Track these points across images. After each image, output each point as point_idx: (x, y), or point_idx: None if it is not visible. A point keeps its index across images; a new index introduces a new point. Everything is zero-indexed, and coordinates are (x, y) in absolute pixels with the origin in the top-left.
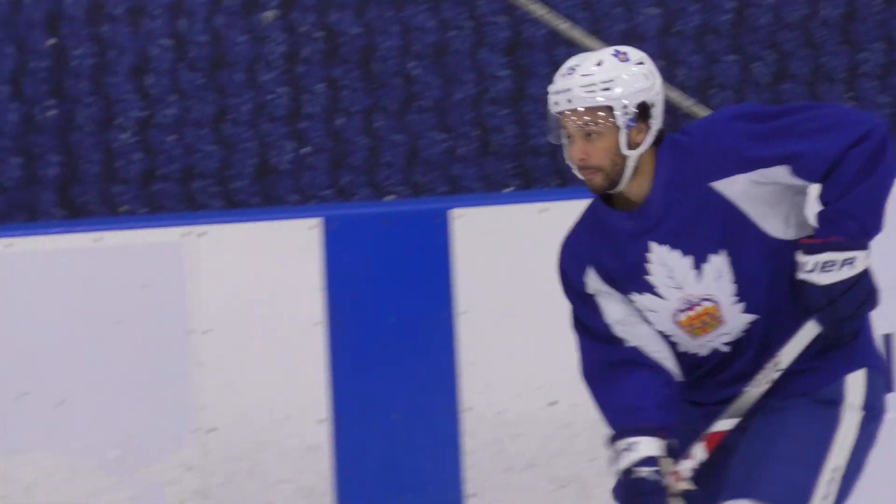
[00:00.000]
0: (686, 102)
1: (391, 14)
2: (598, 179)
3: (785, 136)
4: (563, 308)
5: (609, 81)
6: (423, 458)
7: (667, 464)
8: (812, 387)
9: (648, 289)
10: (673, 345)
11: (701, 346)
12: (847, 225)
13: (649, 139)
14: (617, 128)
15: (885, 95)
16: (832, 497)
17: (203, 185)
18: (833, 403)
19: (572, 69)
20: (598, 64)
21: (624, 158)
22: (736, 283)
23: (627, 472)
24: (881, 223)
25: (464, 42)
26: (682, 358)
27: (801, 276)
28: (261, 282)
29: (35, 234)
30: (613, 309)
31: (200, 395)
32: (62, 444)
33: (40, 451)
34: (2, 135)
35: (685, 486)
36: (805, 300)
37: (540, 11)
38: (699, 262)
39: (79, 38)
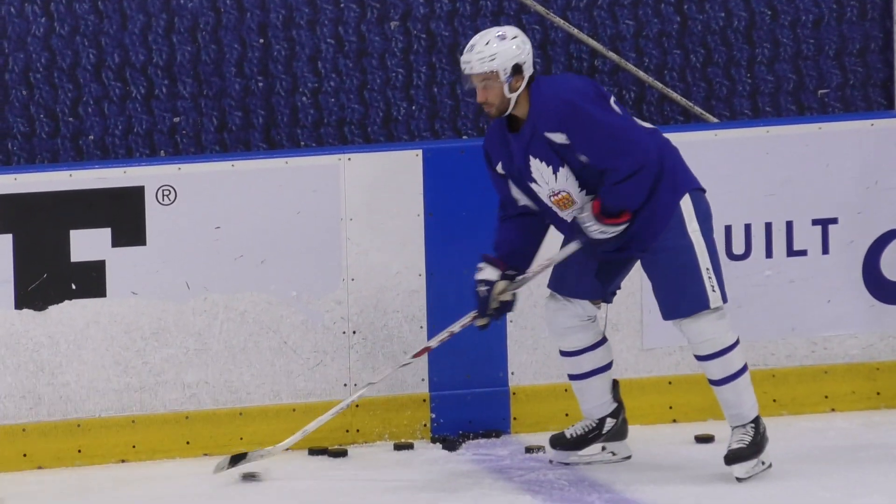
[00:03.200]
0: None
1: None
2: (493, 111)
3: (588, 138)
4: None
5: (493, 55)
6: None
7: (499, 286)
8: (650, 241)
9: (532, 181)
10: (554, 213)
11: (566, 215)
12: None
13: (523, 84)
14: (501, 82)
15: (772, 76)
16: (715, 280)
17: (350, 128)
18: (666, 247)
19: (472, 46)
20: (486, 44)
21: (508, 98)
22: (577, 180)
23: (475, 283)
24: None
25: None
26: (559, 221)
27: (582, 224)
28: (381, 188)
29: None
30: (511, 185)
31: (347, 257)
32: (263, 286)
33: (250, 290)
34: None
35: (507, 297)
36: (579, 226)
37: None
38: (555, 171)
39: None
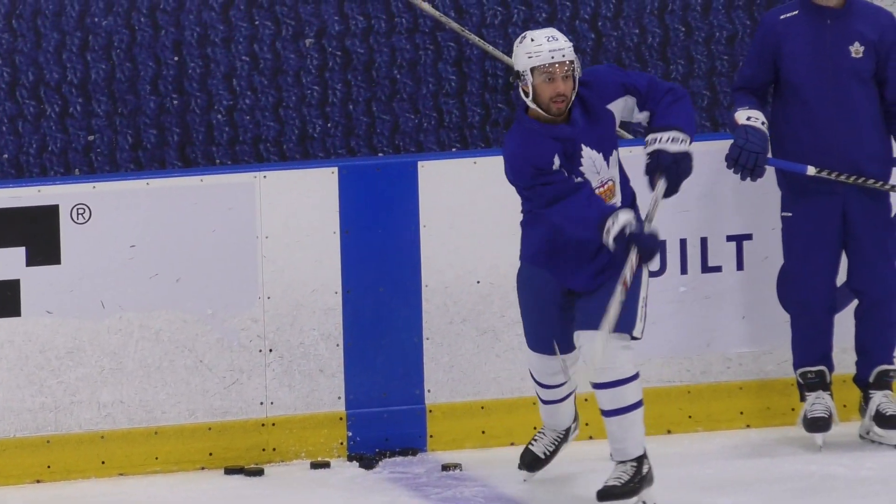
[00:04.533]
0: None
1: None
2: (564, 106)
3: (638, 84)
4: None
5: (571, 46)
6: (395, 308)
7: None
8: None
9: (580, 173)
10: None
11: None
12: (679, 120)
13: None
14: (577, 73)
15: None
16: (644, 314)
17: (266, 146)
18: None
19: (553, 37)
20: (557, 37)
21: (572, 95)
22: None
23: (617, 236)
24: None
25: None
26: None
27: (655, 146)
28: (297, 206)
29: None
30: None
31: (263, 275)
32: (179, 304)
33: (165, 308)
34: None
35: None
36: (656, 164)
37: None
38: (607, 157)
39: None
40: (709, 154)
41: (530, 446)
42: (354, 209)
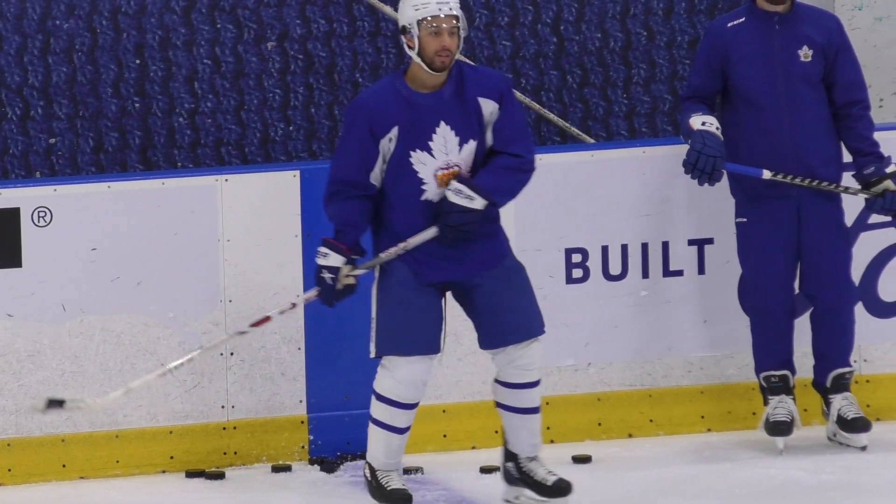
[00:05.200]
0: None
1: None
2: (448, 62)
3: (512, 116)
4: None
5: (458, 3)
6: (356, 312)
7: (344, 270)
8: (498, 262)
9: (427, 149)
10: (422, 192)
11: (440, 193)
12: (490, 183)
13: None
14: (461, 32)
15: (648, 97)
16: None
17: (228, 149)
18: (518, 268)
19: None
20: None
21: (456, 53)
22: (473, 159)
23: (319, 269)
24: (502, 203)
25: None
26: (421, 204)
27: (446, 190)
28: (259, 209)
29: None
30: (378, 164)
31: (224, 278)
32: (140, 308)
33: (127, 311)
34: None
35: (350, 280)
36: (438, 208)
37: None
38: (462, 142)
39: None
40: (671, 158)
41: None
42: (316, 213)
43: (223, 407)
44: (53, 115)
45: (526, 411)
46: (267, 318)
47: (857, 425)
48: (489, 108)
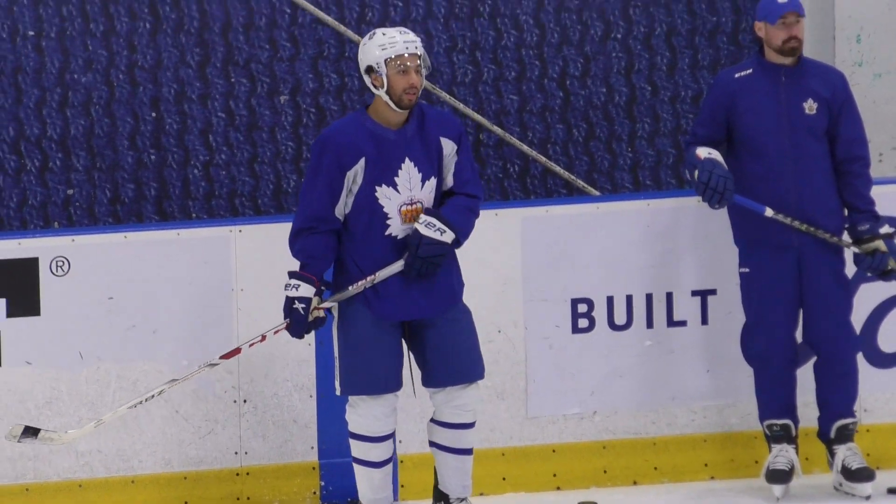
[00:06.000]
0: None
1: None
2: (414, 98)
3: (468, 158)
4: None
5: (420, 42)
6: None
7: (314, 303)
8: (453, 302)
9: (393, 185)
10: (386, 227)
11: (403, 230)
12: (456, 219)
13: None
14: (424, 71)
15: (652, 150)
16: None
17: (241, 200)
18: (466, 310)
19: (405, 31)
20: (410, 32)
21: (419, 91)
22: (434, 196)
23: (290, 300)
24: (463, 241)
25: None
26: (379, 240)
27: (417, 223)
28: (272, 259)
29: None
30: (343, 197)
31: (238, 327)
32: (155, 355)
33: (142, 359)
34: None
35: (320, 313)
36: (411, 239)
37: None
38: (424, 179)
39: None
40: (675, 210)
41: None
42: None
43: (236, 453)
44: (71, 167)
45: (460, 451)
46: (237, 350)
47: (862, 475)
48: (449, 147)
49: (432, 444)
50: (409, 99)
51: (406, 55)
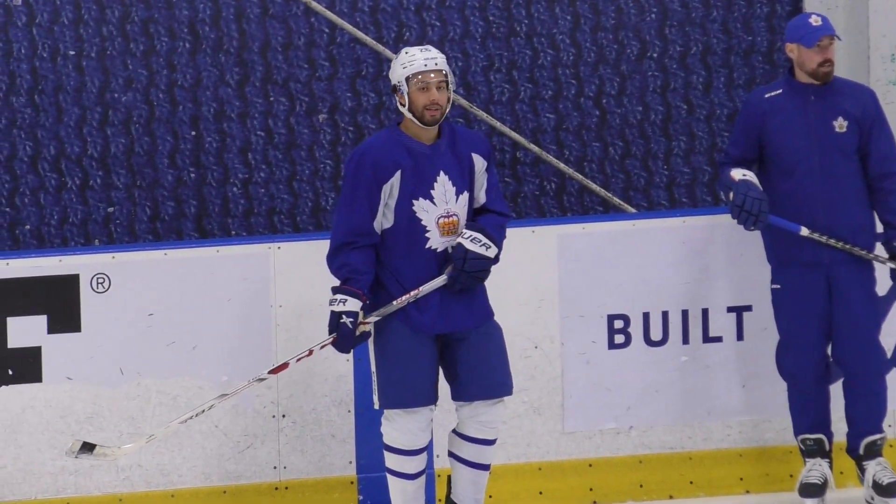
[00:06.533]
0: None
1: None
2: (438, 116)
3: (496, 177)
4: None
5: (444, 59)
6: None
7: (360, 317)
8: (487, 318)
9: (429, 197)
10: (426, 240)
11: (442, 243)
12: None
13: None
14: (449, 87)
15: (688, 168)
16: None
17: (280, 218)
18: (498, 327)
19: (427, 48)
20: (433, 50)
21: (446, 108)
22: (467, 210)
23: (337, 315)
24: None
25: None
26: (426, 252)
27: (461, 238)
28: (310, 276)
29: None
30: (381, 210)
31: (276, 343)
32: (195, 371)
33: (182, 375)
34: None
35: (366, 327)
36: (453, 254)
37: None
38: (458, 193)
39: None
40: (710, 227)
41: None
42: None
43: (275, 467)
44: (112, 185)
45: (479, 467)
46: (285, 365)
47: (893, 490)
48: (480, 164)
49: (452, 454)
50: (431, 115)
51: (426, 72)
